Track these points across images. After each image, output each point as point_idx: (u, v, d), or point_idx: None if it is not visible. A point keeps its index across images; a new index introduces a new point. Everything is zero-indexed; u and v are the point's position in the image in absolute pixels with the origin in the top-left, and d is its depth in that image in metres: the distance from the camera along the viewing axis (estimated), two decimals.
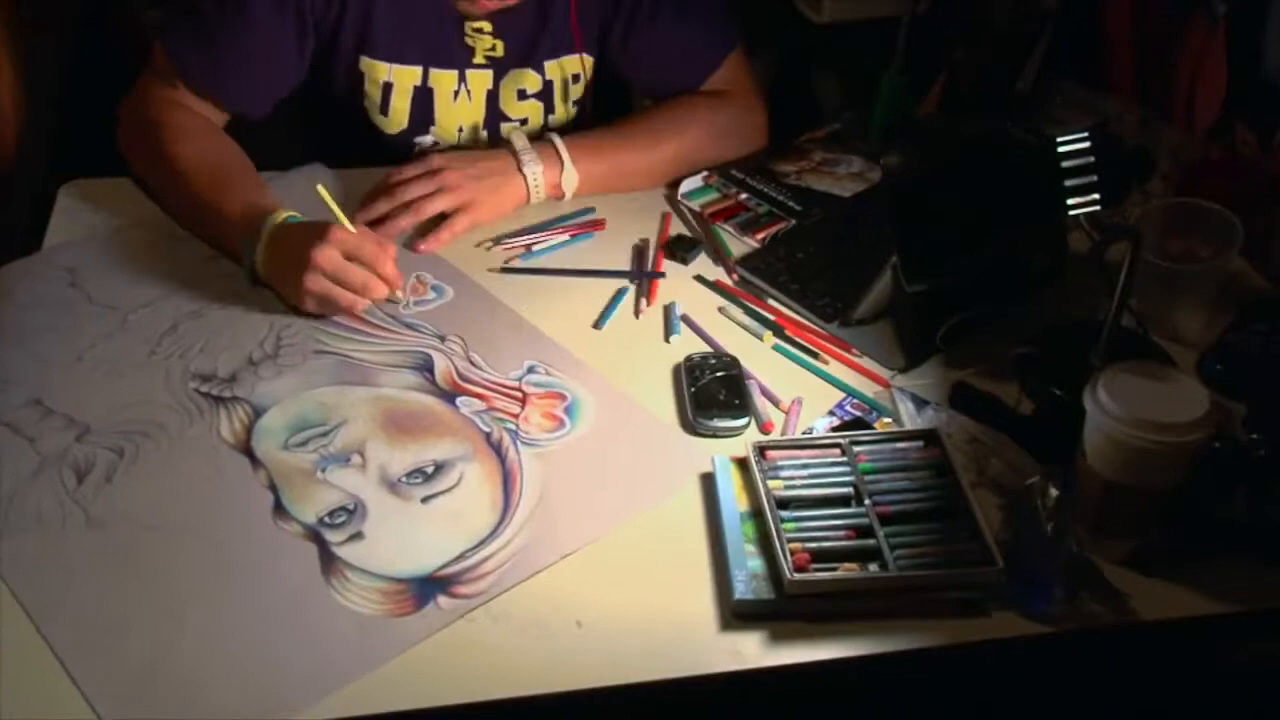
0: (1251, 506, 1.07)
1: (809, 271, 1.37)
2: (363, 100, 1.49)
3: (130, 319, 1.28)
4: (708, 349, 1.27)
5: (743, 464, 1.12)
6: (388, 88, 1.47)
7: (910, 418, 1.20)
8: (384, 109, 1.49)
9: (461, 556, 1.05)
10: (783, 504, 1.07)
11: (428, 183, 1.39)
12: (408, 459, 1.13)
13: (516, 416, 1.17)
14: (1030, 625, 1.01)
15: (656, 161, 1.50)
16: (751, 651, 0.99)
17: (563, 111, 1.56)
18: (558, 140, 1.45)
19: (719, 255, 1.40)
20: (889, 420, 1.20)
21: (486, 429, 1.16)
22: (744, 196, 1.49)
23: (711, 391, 1.20)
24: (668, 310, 1.33)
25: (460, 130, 1.53)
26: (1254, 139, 1.45)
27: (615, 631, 1.00)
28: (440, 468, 1.12)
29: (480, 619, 1.00)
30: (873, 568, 1.02)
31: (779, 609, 1.01)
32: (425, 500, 1.10)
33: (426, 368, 1.23)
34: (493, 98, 1.51)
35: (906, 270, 1.19)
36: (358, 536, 1.06)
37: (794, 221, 1.45)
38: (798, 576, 1.00)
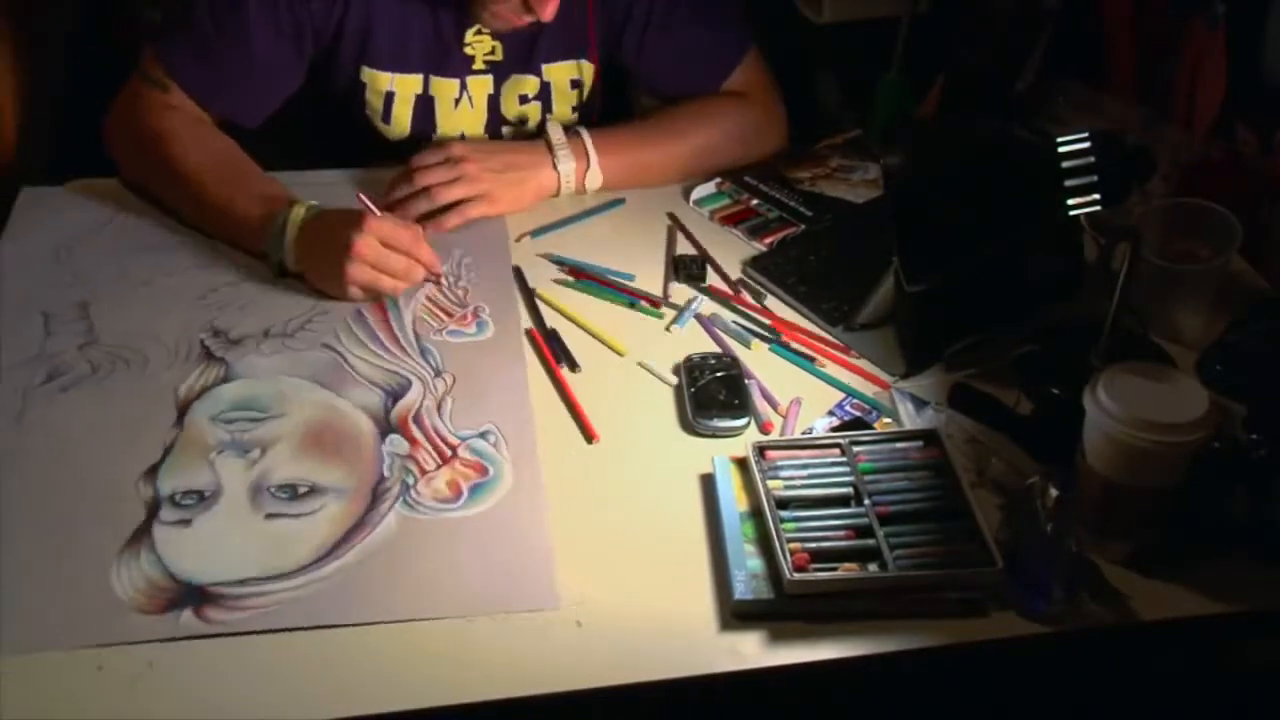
0: (1251, 506, 1.07)
1: (818, 275, 1.37)
2: (364, 108, 1.49)
3: (194, 269, 1.35)
4: (706, 349, 1.27)
5: (742, 464, 1.12)
6: (389, 97, 1.48)
7: (910, 418, 1.20)
8: (386, 117, 1.49)
9: (243, 582, 1.02)
10: (782, 504, 1.07)
11: (447, 171, 1.40)
12: (293, 472, 1.12)
13: (424, 474, 1.13)
14: (1030, 625, 1.01)
15: (677, 158, 1.51)
16: (751, 651, 0.99)
17: (561, 113, 1.56)
18: (586, 136, 1.46)
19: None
20: (889, 420, 1.20)
21: (385, 474, 1.12)
22: (755, 202, 1.49)
23: (711, 392, 1.20)
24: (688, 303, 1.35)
25: (462, 136, 1.53)
26: (1254, 139, 1.45)
27: (615, 631, 1.00)
28: (312, 492, 1.10)
29: (480, 619, 1.00)
30: (872, 568, 1.02)
31: (779, 609, 1.01)
32: (269, 516, 1.08)
33: (396, 395, 1.21)
34: (494, 102, 1.51)
35: (906, 270, 1.19)
36: (184, 523, 1.07)
37: (803, 227, 1.45)
38: (797, 576, 1.00)
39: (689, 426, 1.19)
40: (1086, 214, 1.13)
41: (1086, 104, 1.54)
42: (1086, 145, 1.09)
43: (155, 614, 1.00)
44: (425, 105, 1.49)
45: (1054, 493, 0.99)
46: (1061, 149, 1.09)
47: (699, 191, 1.50)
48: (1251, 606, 1.05)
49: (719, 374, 1.22)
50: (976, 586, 1.02)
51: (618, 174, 1.48)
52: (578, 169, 1.45)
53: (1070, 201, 1.10)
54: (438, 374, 1.24)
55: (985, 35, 1.91)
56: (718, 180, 1.51)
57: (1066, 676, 1.10)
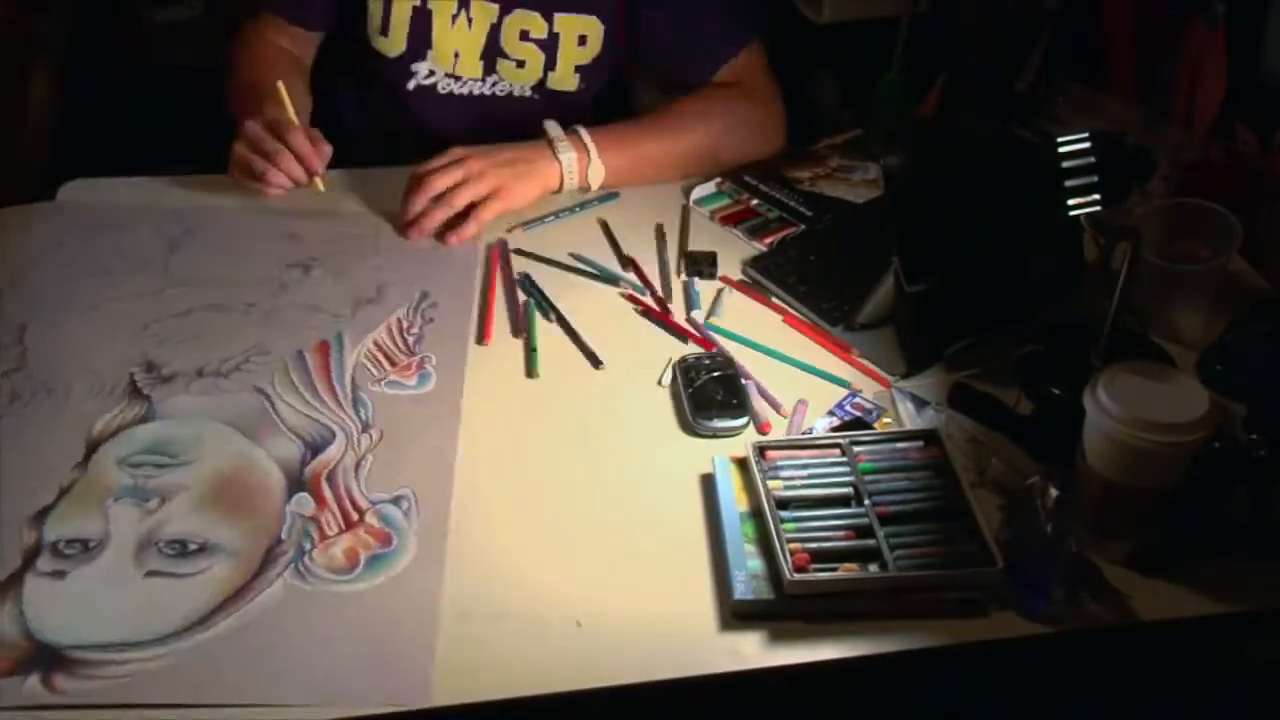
0: (1251, 506, 1.07)
1: (818, 274, 1.37)
2: (366, 26, 1.52)
3: (168, 292, 1.32)
4: (699, 349, 1.28)
5: (742, 464, 1.12)
6: (388, 5, 1.50)
7: (910, 418, 1.20)
8: (384, 29, 1.52)
9: (105, 647, 0.96)
10: (782, 504, 1.07)
11: (454, 172, 1.40)
12: (188, 526, 1.06)
13: (324, 539, 1.06)
14: (1030, 625, 1.01)
15: (679, 154, 1.51)
16: (751, 651, 0.99)
17: (565, 70, 1.56)
18: (584, 132, 1.46)
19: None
20: (889, 420, 1.20)
21: (283, 537, 1.06)
22: (755, 202, 1.49)
23: (709, 392, 1.20)
24: (719, 293, 1.36)
25: (456, 56, 1.54)
26: (1254, 139, 1.45)
27: (615, 631, 1.00)
28: (202, 550, 1.04)
29: (480, 619, 1.00)
30: (872, 568, 1.02)
31: (779, 609, 1.01)
32: (150, 574, 1.01)
33: (317, 448, 1.14)
34: (495, 31, 1.53)
35: (906, 270, 1.19)
36: (59, 575, 1.01)
37: (803, 227, 1.45)
38: (798, 576, 1.00)
39: (688, 427, 1.19)
40: (1086, 214, 1.13)
41: (1086, 104, 1.54)
42: (1086, 145, 1.08)
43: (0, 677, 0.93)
44: (422, 19, 1.51)
45: (1054, 493, 0.99)
46: (1061, 149, 1.09)
47: (699, 191, 1.50)
48: (1251, 606, 1.05)
49: (714, 374, 1.22)
50: (976, 586, 1.02)
51: (620, 169, 1.48)
52: (579, 160, 1.45)
53: (1070, 201, 1.10)
54: (365, 429, 1.16)
55: (985, 35, 1.91)
56: (718, 180, 1.51)
57: (1066, 676, 1.10)
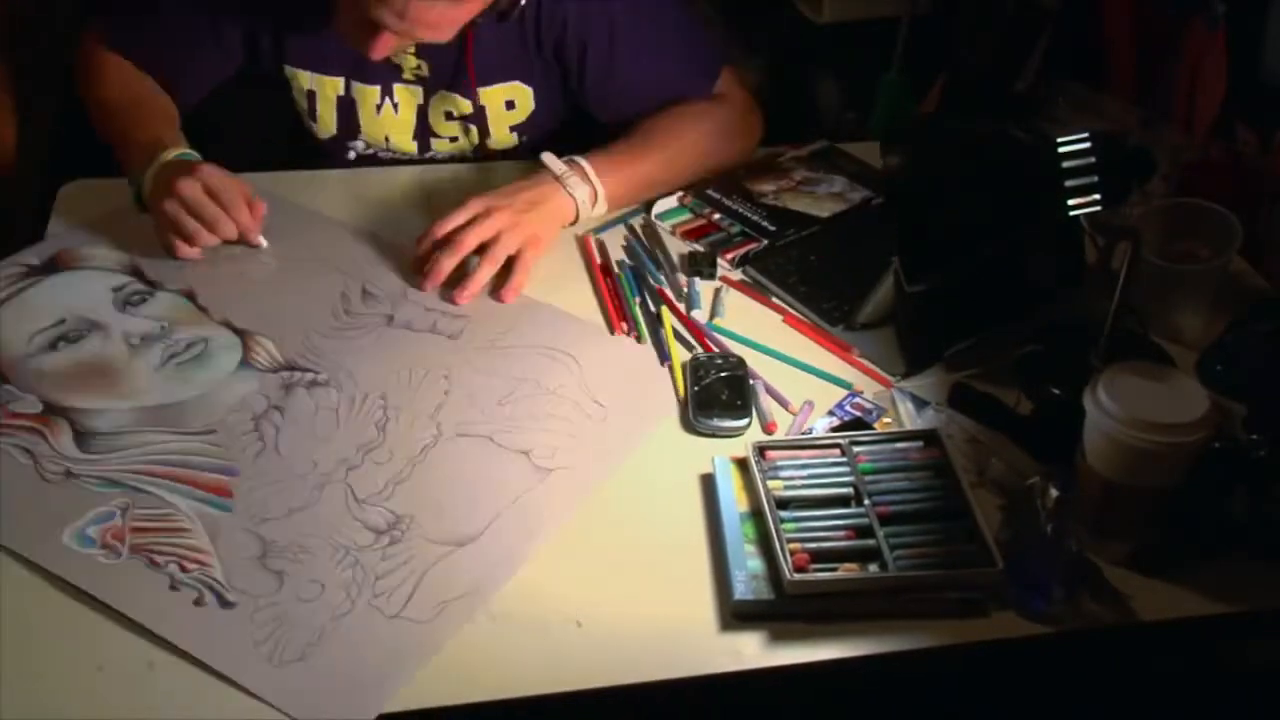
0: (1251, 506, 1.07)
1: (819, 274, 1.37)
2: (293, 108, 1.51)
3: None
4: (709, 350, 1.28)
5: (743, 464, 1.12)
6: (312, 95, 1.49)
7: (910, 418, 1.20)
8: (312, 115, 1.51)
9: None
10: (782, 504, 1.07)
11: (484, 228, 1.33)
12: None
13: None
14: (1030, 625, 1.01)
15: (673, 164, 1.48)
16: (751, 651, 0.99)
17: (500, 134, 1.53)
18: (585, 164, 1.41)
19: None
20: (889, 420, 1.20)
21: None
22: (717, 216, 1.47)
23: (714, 391, 1.20)
24: (717, 293, 1.36)
25: (387, 140, 1.53)
26: (1254, 139, 1.45)
27: (615, 631, 1.00)
28: None
29: (480, 619, 1.00)
30: (872, 568, 1.02)
31: (779, 609, 1.01)
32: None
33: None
34: (422, 114, 1.51)
35: (906, 269, 1.19)
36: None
37: (765, 242, 1.42)
38: (797, 577, 1.00)
39: (689, 426, 1.19)
40: (1086, 214, 1.13)
41: (1086, 104, 1.54)
42: (1086, 145, 1.08)
43: None
44: (348, 107, 1.50)
45: (1054, 493, 0.99)
46: (1061, 149, 1.09)
47: (661, 205, 1.48)
48: (1251, 606, 1.05)
49: (724, 374, 1.22)
50: (976, 586, 1.02)
51: (620, 195, 1.44)
52: (590, 194, 1.41)
53: (1070, 201, 1.10)
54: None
55: (985, 35, 1.91)
56: (679, 194, 1.49)
57: (1066, 676, 1.10)
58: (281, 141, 1.59)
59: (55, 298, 1.30)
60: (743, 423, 1.18)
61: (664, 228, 1.46)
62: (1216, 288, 1.30)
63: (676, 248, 1.43)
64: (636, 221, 1.47)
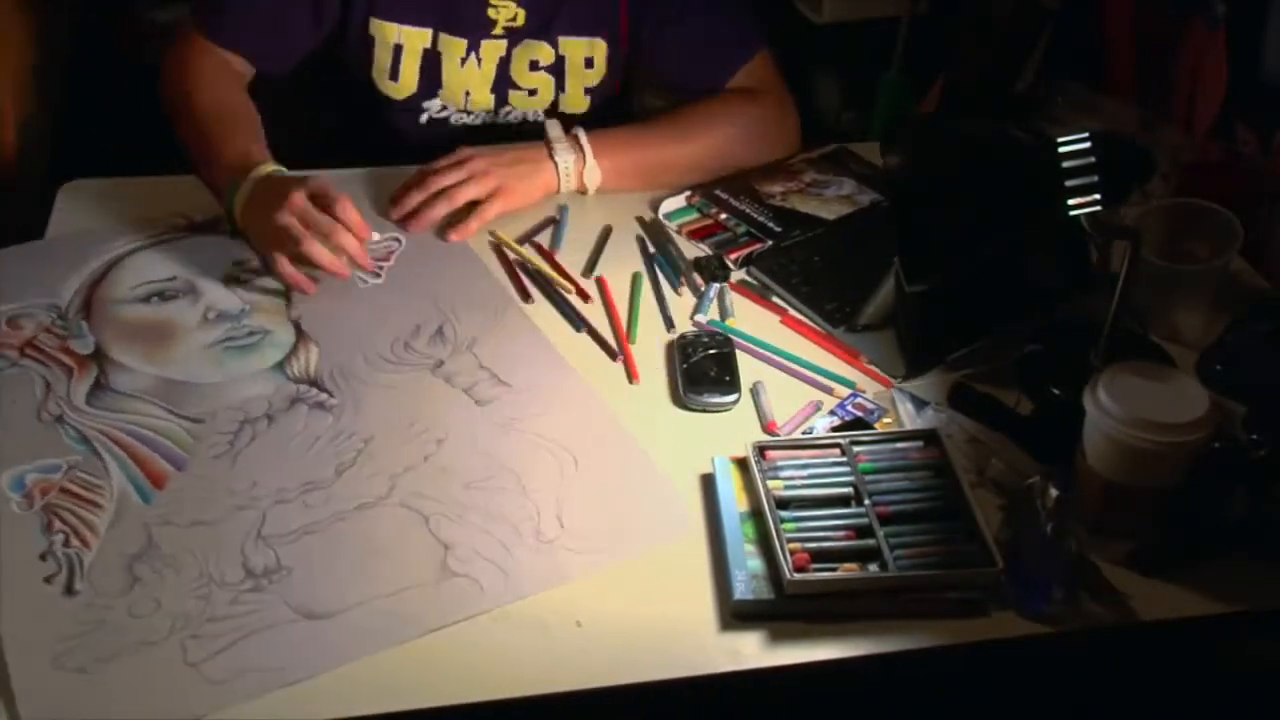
0: (1251, 506, 1.07)
1: (822, 275, 1.37)
2: (372, 70, 1.51)
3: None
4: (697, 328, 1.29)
5: (742, 464, 1.12)
6: (398, 50, 1.49)
7: (910, 418, 1.20)
8: (394, 74, 1.51)
9: None
10: (782, 504, 1.07)
11: (457, 171, 1.40)
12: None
13: None
14: (1030, 625, 1.01)
15: (686, 158, 1.50)
16: (751, 651, 0.99)
17: (575, 92, 1.56)
18: (582, 135, 1.46)
19: None
20: (889, 421, 1.20)
21: None
22: (724, 217, 1.47)
23: (703, 368, 1.22)
24: (722, 291, 1.36)
25: (467, 95, 1.54)
26: (1254, 139, 1.45)
27: (615, 631, 1.00)
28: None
29: (480, 619, 1.00)
30: (873, 568, 1.02)
31: (779, 609, 1.01)
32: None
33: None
34: (504, 65, 1.53)
35: (906, 269, 1.19)
36: None
37: (770, 243, 1.43)
38: (797, 576, 1.00)
39: (680, 402, 1.20)
40: (1086, 214, 1.13)
41: (1085, 105, 1.54)
42: (1086, 145, 1.08)
43: None
44: (433, 61, 1.51)
45: (1054, 493, 0.99)
46: (1061, 149, 1.09)
47: (668, 205, 1.48)
48: (1251, 606, 1.05)
49: (710, 351, 1.23)
50: (976, 586, 1.02)
51: (620, 173, 1.47)
52: (576, 162, 1.45)
53: (1070, 201, 1.10)
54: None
55: (985, 35, 1.91)
56: (687, 194, 1.50)
57: (1066, 676, 1.10)
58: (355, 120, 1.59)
59: (184, 255, 1.35)
60: (732, 398, 1.20)
61: (671, 227, 1.46)
62: (1216, 288, 1.30)
63: (685, 247, 1.43)
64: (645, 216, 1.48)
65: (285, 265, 1.28)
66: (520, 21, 1.49)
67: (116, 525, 1.06)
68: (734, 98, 1.54)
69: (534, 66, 1.53)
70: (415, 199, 1.41)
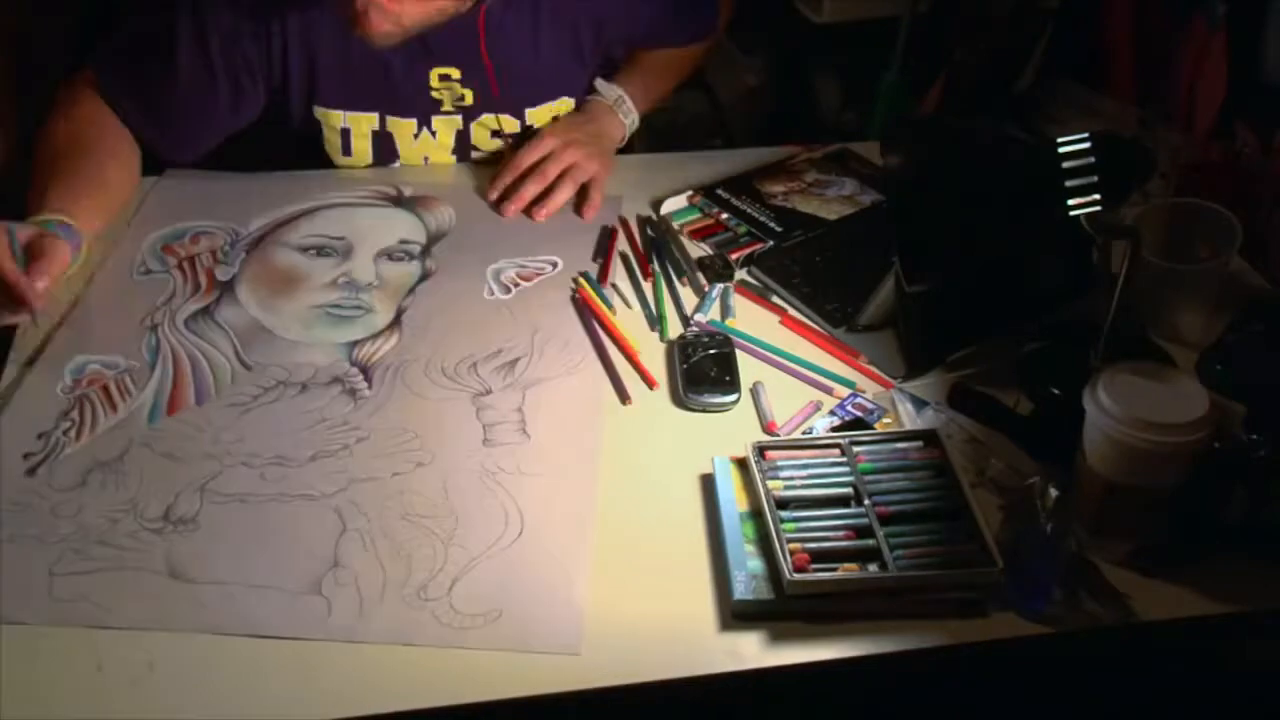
0: (1251, 506, 1.07)
1: (823, 275, 1.37)
2: (324, 146, 1.49)
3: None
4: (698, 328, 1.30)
5: (742, 464, 1.12)
6: (346, 132, 1.48)
7: (910, 418, 1.20)
8: (346, 150, 1.50)
9: None
10: (782, 504, 1.07)
11: (564, 158, 1.46)
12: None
13: None
14: (1030, 625, 1.01)
15: (672, 56, 1.62)
16: (751, 651, 0.99)
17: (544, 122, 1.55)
18: (623, 92, 1.56)
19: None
20: (889, 421, 1.20)
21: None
22: (725, 216, 1.47)
23: (703, 368, 1.22)
24: (724, 291, 1.37)
25: (426, 160, 1.53)
26: (1254, 139, 1.45)
27: (615, 632, 1.00)
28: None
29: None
30: (872, 568, 1.02)
31: (779, 609, 1.01)
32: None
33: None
34: (463, 137, 1.52)
35: (906, 270, 1.19)
36: None
37: (771, 243, 1.43)
38: (797, 577, 1.00)
39: (680, 402, 1.20)
40: (1086, 214, 1.13)
41: (1085, 105, 1.54)
42: (1086, 145, 1.09)
43: None
44: (385, 139, 1.49)
45: (1054, 493, 0.99)
46: (1061, 149, 1.09)
47: (669, 205, 1.49)
48: (1251, 606, 1.05)
49: (711, 351, 1.24)
50: (976, 586, 1.02)
51: (641, 110, 1.58)
52: (636, 119, 1.56)
53: (1070, 201, 1.10)
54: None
55: (985, 35, 1.91)
56: (689, 194, 1.50)
57: (1066, 676, 1.10)
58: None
59: (367, 222, 1.42)
60: (732, 398, 1.20)
61: (673, 227, 1.46)
62: (1216, 288, 1.30)
63: (688, 248, 1.43)
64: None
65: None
66: (469, 101, 1.47)
67: (110, 432, 1.14)
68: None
69: (496, 135, 1.52)
70: (534, 191, 1.45)
